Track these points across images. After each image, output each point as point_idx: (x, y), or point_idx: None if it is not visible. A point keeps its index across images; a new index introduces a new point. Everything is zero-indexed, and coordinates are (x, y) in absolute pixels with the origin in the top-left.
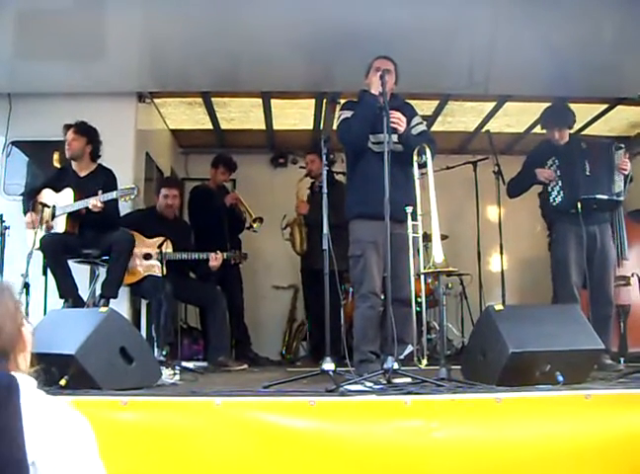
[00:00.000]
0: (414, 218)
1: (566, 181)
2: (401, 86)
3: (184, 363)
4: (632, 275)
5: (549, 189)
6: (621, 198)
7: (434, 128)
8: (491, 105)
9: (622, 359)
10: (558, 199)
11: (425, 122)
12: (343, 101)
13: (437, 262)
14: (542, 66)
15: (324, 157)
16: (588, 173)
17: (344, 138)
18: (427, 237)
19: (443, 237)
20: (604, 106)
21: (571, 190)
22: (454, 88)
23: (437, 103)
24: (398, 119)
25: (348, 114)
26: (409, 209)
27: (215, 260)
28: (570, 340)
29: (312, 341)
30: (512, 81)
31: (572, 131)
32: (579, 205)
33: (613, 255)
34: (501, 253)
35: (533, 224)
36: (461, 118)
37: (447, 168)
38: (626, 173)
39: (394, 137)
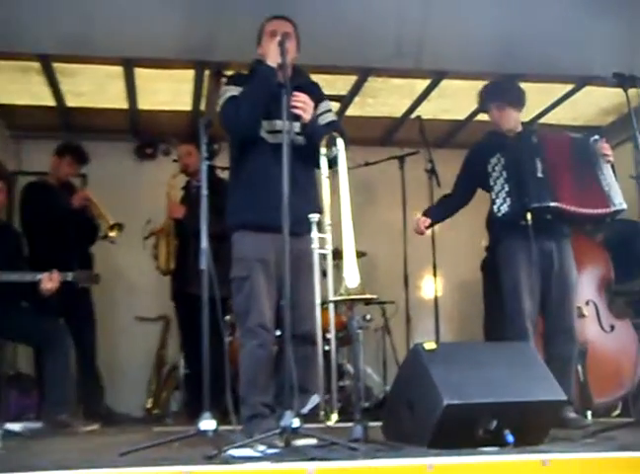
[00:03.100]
0: (320, 230)
1: (513, 185)
2: (304, 57)
3: (8, 425)
4: (587, 303)
5: (493, 195)
6: (624, 207)
7: (349, 113)
8: (424, 83)
9: (589, 413)
10: (504, 209)
11: (332, 110)
12: (230, 74)
13: (350, 286)
14: (487, 35)
15: (203, 148)
16: (540, 174)
17: (229, 123)
18: (337, 254)
19: (360, 254)
20: (568, 87)
21: (519, 195)
22: (377, 60)
23: (354, 79)
24: (303, 103)
25: (235, 91)
26: (314, 218)
27: (50, 281)
28: (522, 388)
29: (188, 391)
30: (450, 52)
31: (527, 120)
32: (528, 216)
33: (575, 278)
34: (434, 275)
35: (476, 238)
36: (386, 99)
37: (366, 164)
38: (612, 160)
39: (296, 126)
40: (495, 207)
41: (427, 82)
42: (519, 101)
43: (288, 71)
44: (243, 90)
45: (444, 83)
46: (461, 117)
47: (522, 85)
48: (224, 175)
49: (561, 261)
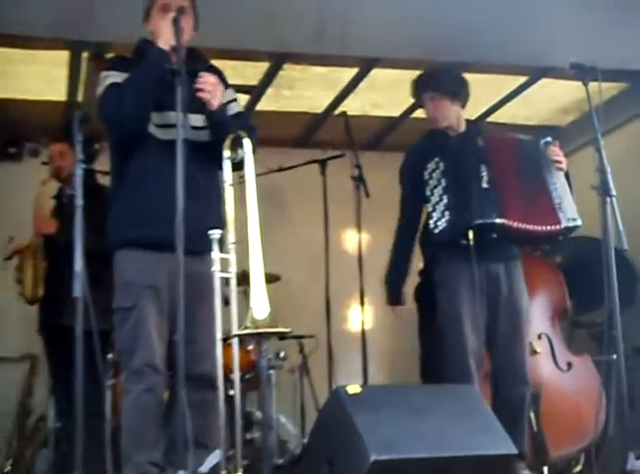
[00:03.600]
0: (223, 249)
1: (453, 196)
2: (204, 38)
3: None
4: (540, 336)
5: (429, 207)
6: (578, 223)
7: (261, 107)
8: (351, 72)
9: (545, 469)
10: (442, 225)
11: (238, 101)
12: (112, 56)
13: (258, 317)
14: (427, 17)
15: (79, 147)
16: (485, 184)
17: (109, 116)
18: (244, 278)
19: (272, 278)
20: (521, 79)
21: (460, 209)
22: (294, 43)
23: (265, 66)
24: (212, 85)
25: (117, 77)
26: (215, 235)
27: None
28: (465, 441)
29: (58, 447)
30: (382, 36)
31: (473, 118)
32: (470, 234)
33: (526, 306)
34: (362, 303)
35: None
36: (305, 91)
37: (280, 169)
38: (564, 167)
39: (196, 119)
40: (431, 223)
41: (354, 71)
42: (458, 92)
43: (183, 54)
44: (128, 76)
45: (376, 73)
46: (395, 113)
47: (468, 76)
48: (106, 181)
49: (510, 286)
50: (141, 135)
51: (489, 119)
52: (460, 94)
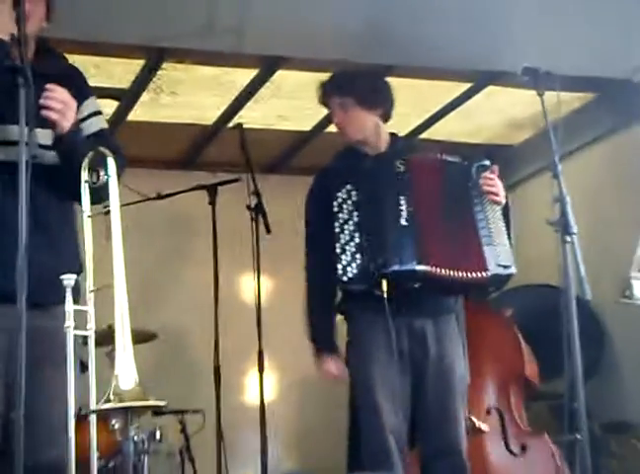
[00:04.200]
0: (78, 299)
1: (365, 235)
2: (59, 28)
3: None
4: (488, 411)
5: (338, 248)
6: (511, 271)
7: (134, 117)
8: (248, 74)
9: None
10: (351, 271)
11: (103, 114)
12: None
13: (124, 387)
14: (345, 7)
15: None
16: (404, 221)
17: None
18: (109, 336)
19: (146, 336)
20: (463, 87)
21: (374, 252)
22: (175, 35)
23: (140, 64)
24: (61, 103)
25: None
26: (69, 280)
27: None
28: None
29: None
30: (288, 29)
31: (404, 133)
32: (384, 283)
33: (463, 370)
34: (260, 368)
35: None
36: (190, 97)
37: (158, 197)
38: (499, 200)
39: (44, 134)
40: (339, 268)
41: (253, 73)
42: (375, 98)
43: (31, 48)
44: None
45: (280, 76)
46: (305, 126)
47: (397, 82)
48: None
49: (440, 346)
50: None
51: (422, 136)
52: (378, 100)
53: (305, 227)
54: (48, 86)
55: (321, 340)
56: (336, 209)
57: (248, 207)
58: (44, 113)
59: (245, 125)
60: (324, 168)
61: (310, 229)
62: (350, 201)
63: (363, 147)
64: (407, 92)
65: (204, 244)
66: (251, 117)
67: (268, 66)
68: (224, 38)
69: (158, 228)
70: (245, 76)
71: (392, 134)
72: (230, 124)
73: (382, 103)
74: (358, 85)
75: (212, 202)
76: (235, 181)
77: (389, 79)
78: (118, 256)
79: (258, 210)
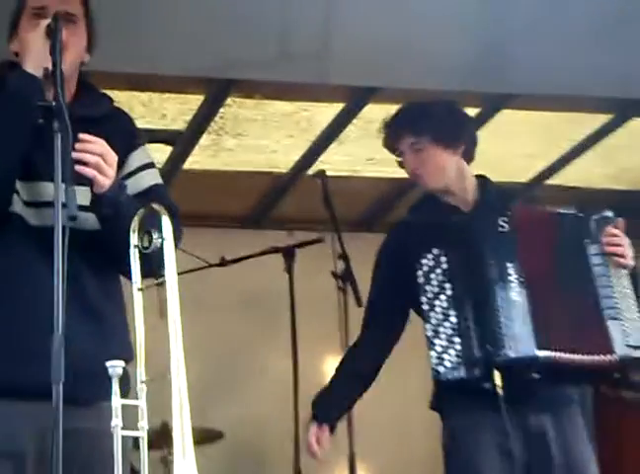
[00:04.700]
0: (126, 392)
1: (465, 314)
2: (99, 61)
3: None
4: None
5: (429, 331)
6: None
7: (192, 165)
8: (332, 110)
9: None
10: (449, 362)
11: (155, 167)
12: None
13: None
14: (446, 27)
15: None
16: (515, 295)
17: None
18: (164, 437)
19: (211, 435)
20: (601, 119)
21: (478, 334)
22: (242, 65)
23: (199, 101)
24: (98, 155)
25: None
26: (115, 369)
27: None
28: None
29: None
30: (378, 55)
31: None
32: (496, 376)
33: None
34: (351, 470)
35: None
36: (260, 139)
37: (222, 263)
38: (626, 262)
39: (84, 193)
40: (433, 359)
41: (337, 108)
42: (456, 134)
43: (69, 85)
44: None
45: (371, 110)
46: (402, 172)
47: (517, 116)
48: None
49: (565, 446)
50: (3, 218)
51: (550, 182)
52: (459, 136)
53: (369, 294)
54: (82, 136)
55: (321, 406)
56: (421, 280)
57: (333, 274)
58: (78, 168)
59: (328, 173)
60: (401, 223)
61: (374, 297)
62: (439, 270)
63: (446, 197)
64: (530, 128)
65: (280, 320)
66: (335, 162)
67: (355, 99)
68: (302, 66)
69: (223, 302)
70: (328, 112)
71: (479, 177)
72: (310, 172)
73: (465, 139)
74: (434, 119)
75: (289, 269)
76: (317, 241)
77: (507, 111)
78: (175, 338)
79: (346, 278)
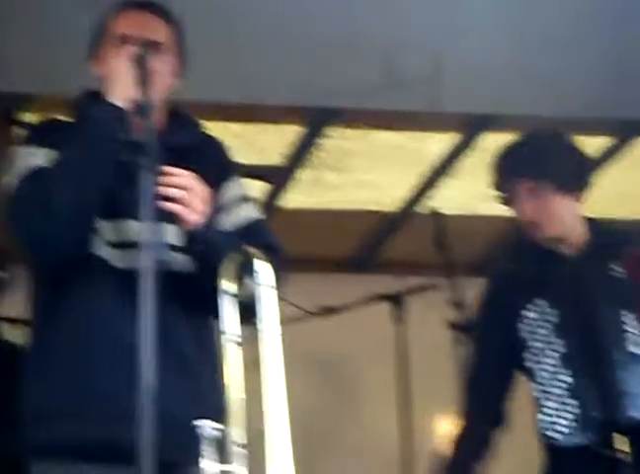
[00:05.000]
0: (223, 455)
1: (580, 372)
2: (190, 90)
3: None
4: None
5: (537, 392)
6: None
7: (289, 203)
8: (446, 140)
9: None
10: (562, 422)
11: (252, 200)
12: (33, 121)
13: None
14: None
15: None
16: (634, 347)
17: (28, 226)
18: None
19: None
20: None
21: (596, 394)
22: (344, 92)
23: (295, 133)
24: (186, 190)
25: (42, 157)
26: (208, 430)
27: None
28: None
29: None
30: (494, 81)
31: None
32: (618, 440)
33: None
34: None
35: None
36: (364, 174)
37: (323, 311)
38: None
39: (172, 232)
40: (544, 423)
41: (452, 138)
42: (580, 180)
43: (159, 116)
44: (60, 155)
45: (489, 140)
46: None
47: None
48: (19, 335)
49: None
50: (82, 259)
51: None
52: (583, 182)
53: (469, 366)
54: (166, 168)
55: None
56: (525, 335)
57: (450, 325)
58: (163, 204)
59: (442, 211)
60: (500, 270)
61: (476, 346)
62: (546, 323)
63: (556, 244)
64: None
65: (387, 375)
66: (449, 198)
67: (472, 128)
68: (411, 92)
69: (323, 354)
70: (441, 143)
71: (589, 219)
72: (420, 209)
73: (586, 185)
74: (557, 162)
75: (398, 318)
76: (430, 288)
77: None
78: (275, 393)
79: (464, 329)
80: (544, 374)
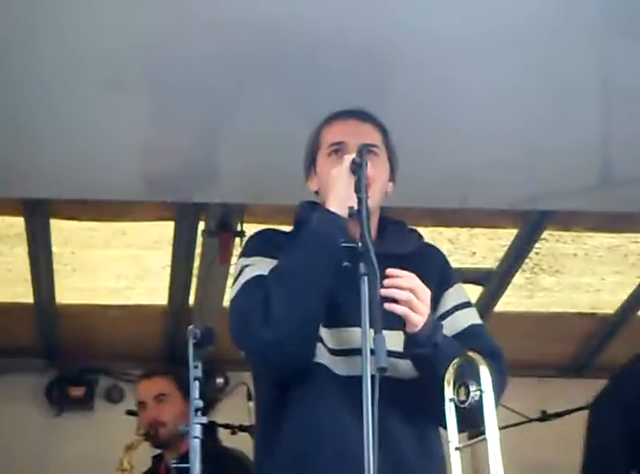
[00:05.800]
0: None
1: None
2: (402, 196)
3: None
4: None
5: None
6: None
7: (504, 307)
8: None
9: None
10: None
11: (473, 307)
12: (252, 231)
13: None
14: None
15: (194, 385)
16: None
17: (250, 336)
18: None
19: None
20: None
21: None
22: (558, 195)
23: (509, 236)
24: (408, 290)
25: (262, 266)
26: None
27: None
28: None
29: None
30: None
31: None
32: None
33: None
34: None
35: None
36: (579, 276)
37: (543, 418)
38: None
39: (395, 339)
40: None
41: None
42: None
43: (374, 222)
44: (279, 263)
45: None
46: None
47: None
48: (237, 443)
49: None
50: (304, 367)
51: None
52: None
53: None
54: (390, 271)
55: None
56: None
57: None
58: (388, 306)
59: None
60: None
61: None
62: None
63: None
64: None
65: None
66: None
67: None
68: (627, 193)
69: (544, 461)
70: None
71: None
72: None
73: None
74: None
75: None
76: None
77: None
78: None
79: None
80: None
